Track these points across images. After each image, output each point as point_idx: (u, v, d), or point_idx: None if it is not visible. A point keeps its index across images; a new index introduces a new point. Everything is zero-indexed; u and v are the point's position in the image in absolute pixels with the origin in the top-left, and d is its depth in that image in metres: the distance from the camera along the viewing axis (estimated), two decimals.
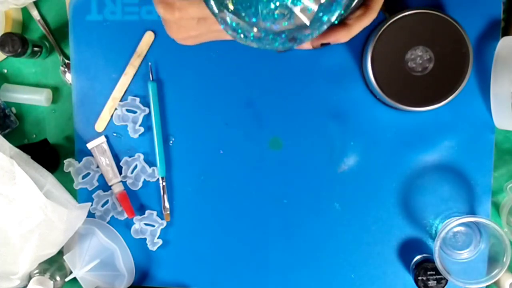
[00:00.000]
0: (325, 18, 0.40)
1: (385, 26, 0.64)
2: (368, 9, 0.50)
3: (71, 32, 0.73)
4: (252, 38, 0.41)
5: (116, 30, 0.72)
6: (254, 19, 0.40)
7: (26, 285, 0.69)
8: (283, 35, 0.41)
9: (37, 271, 0.70)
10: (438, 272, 0.67)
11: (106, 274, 0.73)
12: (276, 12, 0.40)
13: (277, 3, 0.39)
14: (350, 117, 0.72)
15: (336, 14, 0.40)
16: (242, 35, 0.42)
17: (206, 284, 0.75)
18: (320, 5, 0.39)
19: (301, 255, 0.73)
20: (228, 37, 0.44)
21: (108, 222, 0.75)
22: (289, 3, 0.39)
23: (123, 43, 0.73)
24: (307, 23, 0.40)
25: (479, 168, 0.71)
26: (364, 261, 0.73)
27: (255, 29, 0.41)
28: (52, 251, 0.68)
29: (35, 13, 0.75)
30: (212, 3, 0.41)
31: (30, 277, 0.70)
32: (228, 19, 0.41)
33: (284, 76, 0.72)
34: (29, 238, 0.63)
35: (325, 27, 0.41)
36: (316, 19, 0.40)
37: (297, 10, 0.40)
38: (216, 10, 0.41)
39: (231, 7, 0.40)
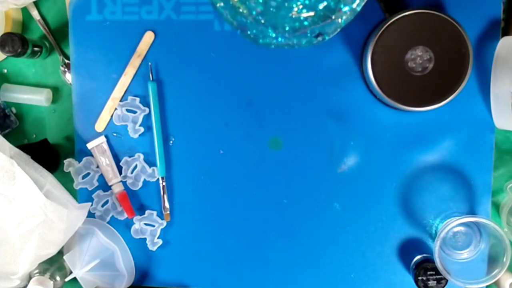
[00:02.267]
0: (347, 8, 0.41)
1: (385, 26, 0.64)
2: None
3: (71, 32, 0.73)
4: (274, 40, 0.42)
5: (116, 30, 0.72)
6: (274, 23, 0.41)
7: (26, 285, 0.69)
8: (309, 33, 0.41)
9: (37, 271, 0.70)
10: (438, 272, 0.67)
11: (106, 274, 0.73)
12: (299, 15, 0.39)
13: (300, 6, 0.39)
14: (350, 117, 0.72)
15: (357, 1, 0.40)
16: (262, 40, 0.42)
17: (206, 284, 0.75)
18: None
19: (301, 255, 0.73)
20: None
21: (108, 222, 0.75)
22: (311, 2, 0.39)
23: (123, 43, 0.73)
24: (332, 16, 0.40)
25: (479, 168, 0.71)
26: (364, 261, 0.73)
27: (276, 32, 0.41)
28: (52, 251, 0.68)
29: (35, 13, 0.75)
30: (223, 11, 0.41)
31: (30, 277, 0.70)
32: (244, 27, 0.41)
33: (284, 76, 0.72)
34: (29, 238, 0.63)
35: (349, 16, 0.41)
36: (338, 11, 0.40)
37: (320, 6, 0.40)
38: (229, 19, 0.41)
39: (247, 14, 0.40)
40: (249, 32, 0.42)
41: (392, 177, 0.72)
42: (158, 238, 0.74)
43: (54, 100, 0.77)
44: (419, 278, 0.69)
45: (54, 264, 0.72)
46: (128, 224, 0.75)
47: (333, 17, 0.41)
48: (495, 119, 0.69)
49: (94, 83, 0.73)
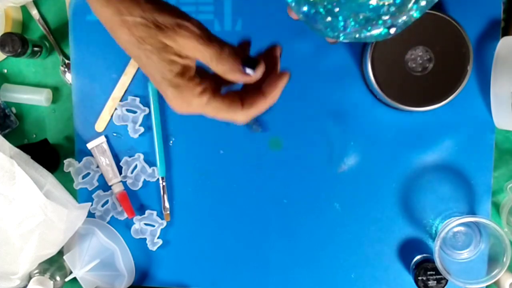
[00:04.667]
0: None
1: None
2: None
3: (71, 32, 0.73)
4: (343, 32, 0.38)
5: None
6: (348, 13, 0.38)
7: (26, 285, 0.69)
8: (381, 24, 0.38)
9: (37, 271, 0.70)
10: (438, 272, 0.67)
11: (106, 274, 0.73)
12: (377, 2, 0.37)
13: None
14: (350, 117, 0.72)
15: None
16: (331, 32, 0.39)
17: (206, 284, 0.75)
18: None
19: (301, 255, 0.73)
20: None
21: (108, 222, 0.75)
22: None
23: None
24: (408, 7, 0.37)
25: (479, 168, 0.71)
26: (364, 261, 0.73)
27: (348, 22, 0.37)
28: (52, 251, 0.68)
29: (34, 13, 0.75)
30: (304, 8, 0.38)
31: (30, 277, 0.70)
32: (313, 17, 0.38)
33: None
34: (29, 238, 0.63)
35: (423, 8, 0.38)
36: (414, 2, 0.37)
37: None
38: (296, 8, 0.38)
39: (319, 2, 0.37)
40: (317, 25, 0.39)
41: (392, 177, 0.72)
42: (158, 238, 0.74)
43: (54, 100, 0.77)
44: (419, 278, 0.69)
45: (54, 264, 0.72)
46: (128, 224, 0.75)
47: (409, 6, 0.38)
48: (495, 119, 0.69)
49: (94, 83, 0.73)
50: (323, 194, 0.73)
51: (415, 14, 0.39)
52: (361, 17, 0.38)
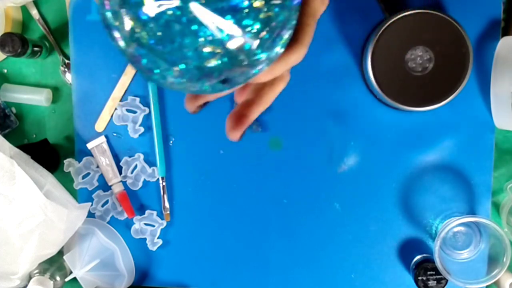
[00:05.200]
0: (264, 56, 0.33)
1: (385, 26, 0.64)
2: (297, 43, 0.39)
3: (71, 32, 0.73)
4: (171, 78, 0.33)
5: None
6: (175, 57, 0.32)
7: (26, 285, 0.69)
8: (215, 75, 0.33)
9: (37, 271, 0.70)
10: (438, 272, 0.67)
11: (106, 274, 0.73)
12: (206, 49, 0.31)
13: (208, 38, 0.31)
14: (350, 117, 0.72)
15: (276, 50, 0.33)
16: (158, 76, 0.33)
17: (206, 284, 0.75)
18: (261, 39, 0.32)
19: (301, 255, 0.73)
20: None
21: (108, 222, 0.75)
22: (222, 37, 0.31)
23: None
24: (245, 61, 0.32)
25: (479, 168, 0.71)
26: (364, 261, 0.73)
27: (175, 69, 0.32)
28: (52, 251, 0.68)
29: (34, 12, 0.75)
30: (117, 35, 0.32)
31: (30, 277, 0.70)
32: (139, 56, 0.32)
33: None
34: (29, 238, 0.63)
35: (264, 66, 0.34)
36: (253, 57, 0.33)
37: (232, 45, 0.31)
38: (122, 45, 0.32)
39: (145, 40, 0.31)
40: (143, 63, 0.32)
41: (392, 177, 0.72)
42: (158, 238, 0.74)
43: (54, 100, 0.77)
44: (419, 278, 0.69)
45: (54, 264, 0.72)
46: (128, 224, 0.75)
47: (246, 63, 0.33)
48: (495, 119, 0.69)
49: (94, 83, 0.73)
50: (323, 194, 0.73)
51: (254, 71, 0.34)
52: (191, 65, 0.32)
